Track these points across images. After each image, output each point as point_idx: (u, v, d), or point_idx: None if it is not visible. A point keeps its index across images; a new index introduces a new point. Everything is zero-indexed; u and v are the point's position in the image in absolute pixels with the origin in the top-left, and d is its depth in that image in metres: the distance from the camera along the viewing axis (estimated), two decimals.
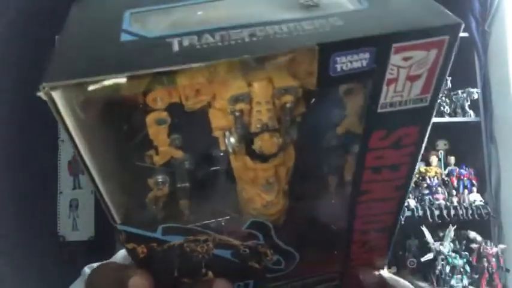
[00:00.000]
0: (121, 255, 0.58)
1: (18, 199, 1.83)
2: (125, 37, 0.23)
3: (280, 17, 0.24)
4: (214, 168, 0.29)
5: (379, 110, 0.24)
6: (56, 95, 0.21)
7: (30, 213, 1.81)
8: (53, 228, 1.92)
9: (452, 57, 0.23)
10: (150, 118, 0.26)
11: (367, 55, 0.22)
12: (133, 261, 0.29)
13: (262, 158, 0.27)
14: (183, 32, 0.23)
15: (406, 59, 0.23)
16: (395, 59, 0.22)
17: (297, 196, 0.30)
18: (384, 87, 0.23)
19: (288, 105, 0.25)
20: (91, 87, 0.21)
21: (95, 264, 0.61)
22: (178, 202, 0.29)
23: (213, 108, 0.26)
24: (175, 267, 0.30)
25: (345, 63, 0.22)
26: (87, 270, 0.57)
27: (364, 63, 0.22)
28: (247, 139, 0.27)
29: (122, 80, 0.21)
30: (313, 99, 0.27)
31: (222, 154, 0.28)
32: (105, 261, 0.32)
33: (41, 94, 0.20)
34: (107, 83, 0.21)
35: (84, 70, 0.21)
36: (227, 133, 0.27)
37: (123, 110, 0.26)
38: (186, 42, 0.23)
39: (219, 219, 0.29)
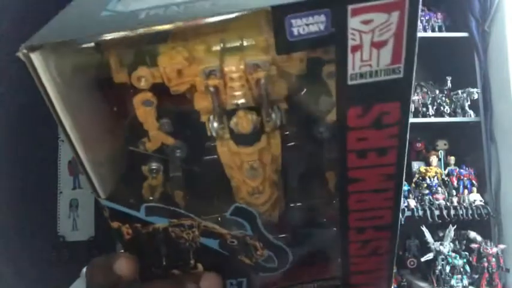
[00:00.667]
0: None
1: (18, 199, 1.83)
2: (104, 13, 0.25)
3: None
4: (208, 157, 0.29)
5: (349, 82, 0.23)
6: (34, 57, 0.22)
7: (30, 213, 1.81)
8: (53, 228, 1.93)
9: (418, 22, 0.22)
10: (136, 99, 0.26)
11: (322, 18, 0.22)
12: (120, 244, 0.29)
13: (245, 141, 0.27)
14: (153, 6, 0.24)
15: (366, 22, 0.22)
16: (354, 22, 0.22)
17: (294, 193, 0.30)
18: (349, 56, 0.23)
19: (262, 81, 0.25)
20: (64, 50, 0.23)
21: None
22: (173, 193, 0.30)
23: (197, 92, 0.26)
24: (163, 255, 0.30)
25: (301, 26, 0.22)
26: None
27: (322, 26, 0.22)
28: (229, 122, 0.27)
29: (90, 44, 0.23)
30: (305, 90, 0.27)
31: (213, 144, 0.28)
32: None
33: (19, 54, 0.22)
34: (77, 46, 0.23)
35: (59, 36, 0.23)
36: (211, 117, 0.27)
37: (113, 91, 0.27)
38: (152, 13, 0.24)
39: (215, 216, 0.29)
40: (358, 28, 0.22)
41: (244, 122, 0.26)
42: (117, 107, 0.28)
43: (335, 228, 0.30)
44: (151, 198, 0.29)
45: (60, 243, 1.92)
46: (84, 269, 0.59)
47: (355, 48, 0.23)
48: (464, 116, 1.78)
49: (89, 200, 1.95)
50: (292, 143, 0.29)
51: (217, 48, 0.25)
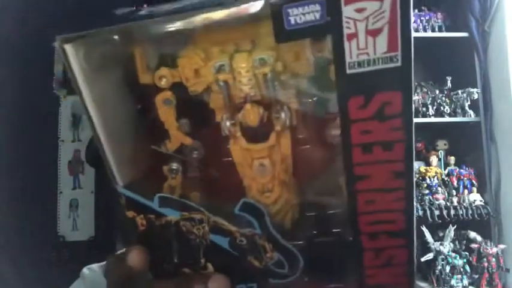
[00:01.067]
0: None
1: (18, 199, 1.83)
2: (131, 17, 0.28)
3: None
4: (226, 159, 0.30)
5: (348, 71, 0.24)
6: (67, 48, 0.25)
7: (30, 213, 1.81)
8: (53, 228, 1.93)
9: (411, 10, 0.23)
10: (158, 99, 0.28)
11: (317, 7, 0.23)
12: (134, 235, 0.30)
13: (255, 137, 0.28)
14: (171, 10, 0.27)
15: (359, 10, 0.23)
16: (347, 10, 0.23)
17: (308, 200, 0.30)
18: (346, 44, 0.23)
19: (268, 75, 0.26)
20: (92, 40, 0.26)
21: (94, 265, 0.62)
22: (189, 194, 0.30)
23: (213, 92, 0.28)
24: (174, 251, 0.30)
25: (297, 15, 0.23)
26: (85, 271, 0.57)
27: (317, 15, 0.23)
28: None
29: (115, 36, 0.26)
30: (318, 93, 0.28)
31: (229, 146, 0.29)
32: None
33: (55, 44, 0.25)
34: (103, 37, 0.26)
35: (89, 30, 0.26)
36: (224, 116, 0.28)
37: (138, 90, 0.28)
38: (171, 9, 0.26)
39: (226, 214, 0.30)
40: (353, 16, 0.23)
41: (251, 115, 0.27)
42: (141, 105, 0.29)
43: (350, 238, 0.29)
44: None
45: (60, 243, 1.92)
46: (84, 269, 0.58)
47: (351, 37, 0.23)
48: (464, 116, 1.78)
49: (89, 200, 1.95)
50: (307, 146, 0.29)
51: (230, 50, 0.26)
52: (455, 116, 1.79)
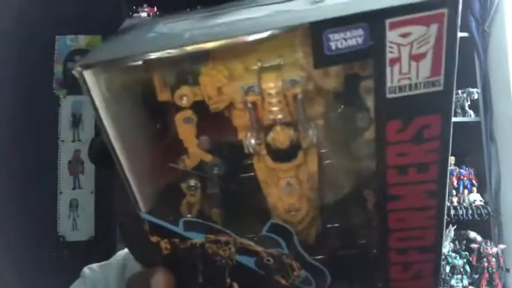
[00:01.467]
0: (121, 255, 0.58)
1: (18, 199, 1.83)
2: (150, 35, 0.27)
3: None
4: (245, 175, 0.29)
5: (388, 96, 0.23)
6: (87, 74, 0.24)
7: (30, 213, 1.81)
8: (53, 228, 1.93)
9: (458, 35, 0.22)
10: (178, 117, 0.27)
11: (360, 32, 0.22)
12: (158, 259, 0.30)
13: (282, 157, 0.27)
14: (197, 27, 0.26)
15: (404, 35, 0.22)
16: (392, 35, 0.22)
17: (331, 214, 0.29)
18: (388, 69, 0.23)
19: (299, 96, 0.25)
20: (113, 68, 0.25)
21: (95, 265, 0.62)
22: (210, 211, 0.30)
23: (235, 109, 0.27)
24: (199, 272, 0.30)
25: (338, 40, 0.22)
26: (86, 271, 0.57)
27: (360, 40, 0.22)
28: (266, 139, 0.27)
29: (138, 62, 0.25)
30: (342, 106, 0.27)
31: (250, 162, 0.28)
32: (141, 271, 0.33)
33: (75, 72, 0.24)
34: (125, 64, 0.25)
35: (109, 55, 0.26)
36: (248, 134, 0.27)
37: (156, 109, 0.28)
38: (196, 32, 0.25)
39: (251, 235, 0.29)
40: (397, 41, 0.22)
41: (281, 137, 0.26)
42: (160, 125, 0.29)
43: (375, 250, 0.29)
44: (189, 215, 0.29)
45: (60, 243, 1.92)
46: (84, 269, 0.58)
47: (394, 61, 0.22)
48: (464, 116, 1.78)
49: (89, 200, 1.95)
50: (329, 161, 0.28)
51: (255, 67, 0.25)
52: (455, 116, 1.79)
